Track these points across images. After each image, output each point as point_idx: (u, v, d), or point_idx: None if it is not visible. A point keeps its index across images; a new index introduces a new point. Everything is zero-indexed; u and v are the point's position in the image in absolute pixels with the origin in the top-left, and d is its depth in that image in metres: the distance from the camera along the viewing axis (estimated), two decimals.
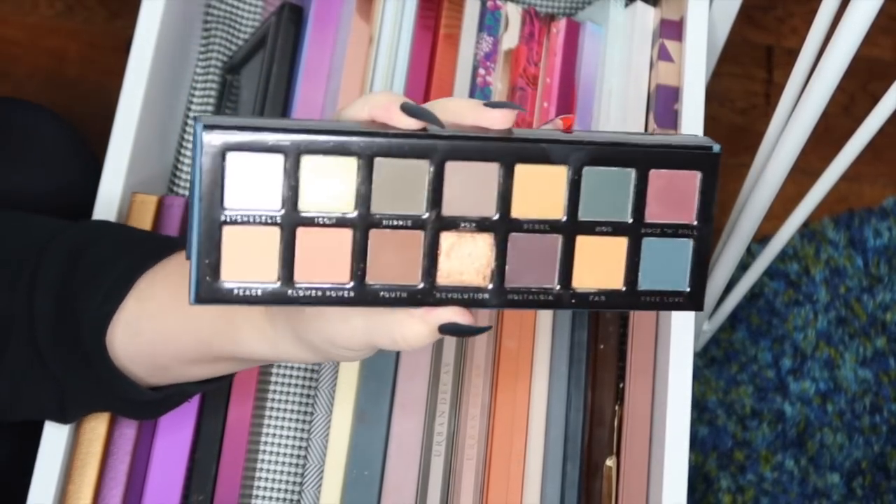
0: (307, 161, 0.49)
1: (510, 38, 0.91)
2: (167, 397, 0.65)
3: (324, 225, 0.50)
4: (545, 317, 0.82)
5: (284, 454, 0.81)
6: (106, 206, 0.80)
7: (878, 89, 0.99)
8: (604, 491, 0.79)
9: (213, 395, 0.80)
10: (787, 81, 0.87)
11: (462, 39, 0.91)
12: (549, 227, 0.52)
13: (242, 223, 0.50)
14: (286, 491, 0.80)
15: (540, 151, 0.51)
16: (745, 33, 1.41)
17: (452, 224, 0.51)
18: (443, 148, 0.50)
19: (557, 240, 0.52)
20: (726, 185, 1.33)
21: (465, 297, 0.52)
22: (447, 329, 0.52)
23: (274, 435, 0.81)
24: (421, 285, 0.52)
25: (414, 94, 0.89)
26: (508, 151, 0.50)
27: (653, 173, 0.52)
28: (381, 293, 0.52)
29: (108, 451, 0.77)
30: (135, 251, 0.63)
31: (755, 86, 1.40)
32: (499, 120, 0.50)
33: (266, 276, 0.51)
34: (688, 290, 0.54)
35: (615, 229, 0.52)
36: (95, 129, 1.03)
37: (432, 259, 0.51)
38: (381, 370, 0.80)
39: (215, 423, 0.79)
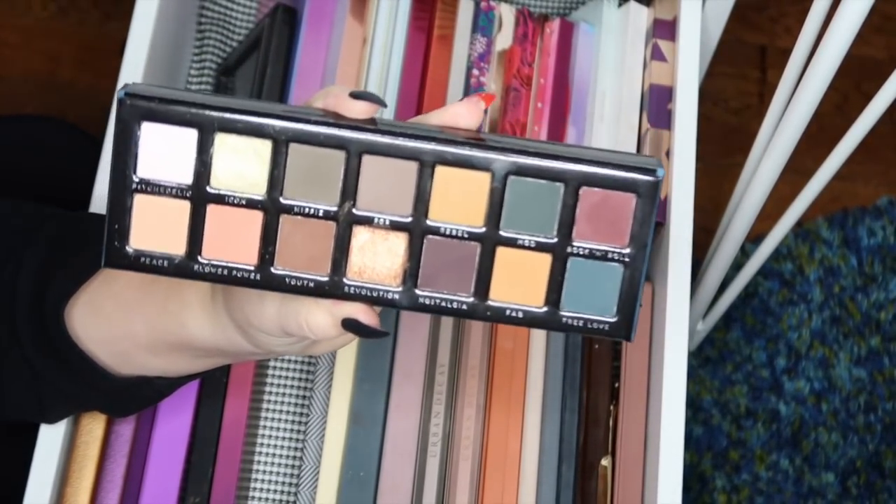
0: (222, 139, 0.49)
1: (504, 39, 0.91)
2: (134, 386, 0.65)
3: (235, 204, 0.50)
4: None
5: (280, 455, 0.81)
6: (100, 209, 0.80)
7: (872, 88, 1.00)
8: (599, 491, 0.79)
9: (210, 396, 0.80)
10: (780, 81, 0.87)
11: (456, 40, 0.91)
12: (468, 234, 0.50)
13: (153, 193, 0.50)
14: (282, 492, 0.80)
15: (463, 155, 0.49)
16: (738, 33, 1.41)
17: (366, 219, 0.50)
18: (360, 140, 0.49)
19: (476, 248, 0.50)
20: (720, 184, 1.33)
21: (375, 295, 0.51)
22: (349, 325, 0.52)
23: (269, 436, 0.81)
24: (330, 277, 0.51)
25: (408, 94, 0.89)
26: (429, 151, 0.49)
27: (584, 190, 0.49)
28: (288, 280, 0.51)
29: (105, 454, 0.77)
30: None
31: (749, 85, 1.40)
32: (357, 110, 0.50)
33: (174, 249, 0.51)
34: (614, 319, 0.51)
35: (539, 245, 0.50)
36: (90, 131, 1.03)
37: (343, 252, 0.51)
38: (377, 371, 0.80)
39: (211, 425, 0.79)
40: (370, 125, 0.49)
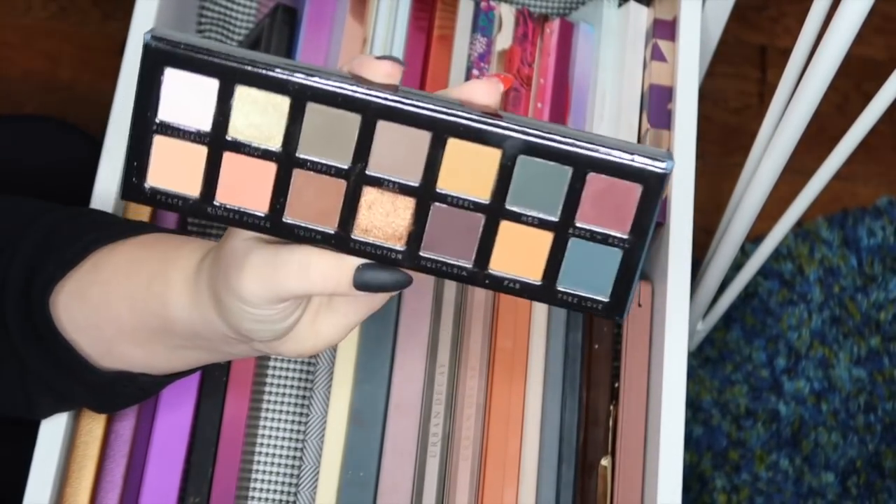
0: (241, 91, 0.50)
1: (504, 39, 0.91)
2: (117, 382, 0.65)
3: (251, 154, 0.51)
4: (540, 317, 0.82)
5: (280, 455, 0.81)
6: (100, 208, 0.80)
7: (872, 89, 1.00)
8: (599, 490, 0.79)
9: (210, 396, 0.80)
10: (780, 81, 0.87)
11: (456, 40, 0.91)
12: (474, 206, 0.51)
13: (173, 135, 0.51)
14: (282, 492, 0.80)
15: (476, 129, 0.50)
16: (738, 33, 1.41)
17: (377, 181, 0.51)
18: (376, 106, 0.50)
19: (480, 219, 0.52)
20: (720, 184, 1.33)
21: (379, 253, 0.52)
22: (364, 273, 0.52)
23: (269, 436, 0.81)
24: (337, 231, 0.52)
25: None
26: (442, 123, 0.50)
27: (592, 176, 0.50)
28: (297, 230, 0.52)
29: (105, 454, 0.77)
30: (104, 229, 0.65)
31: (749, 85, 1.40)
32: (381, 72, 0.51)
33: (189, 190, 0.52)
34: (608, 299, 0.52)
35: (542, 223, 0.51)
36: (90, 131, 1.03)
37: (352, 210, 0.52)
38: (377, 371, 0.80)
39: (211, 425, 0.79)
40: (390, 91, 0.50)
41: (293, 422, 0.82)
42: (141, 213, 0.81)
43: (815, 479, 1.22)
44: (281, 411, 0.82)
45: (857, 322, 1.28)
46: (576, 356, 0.82)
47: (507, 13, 0.91)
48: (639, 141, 0.87)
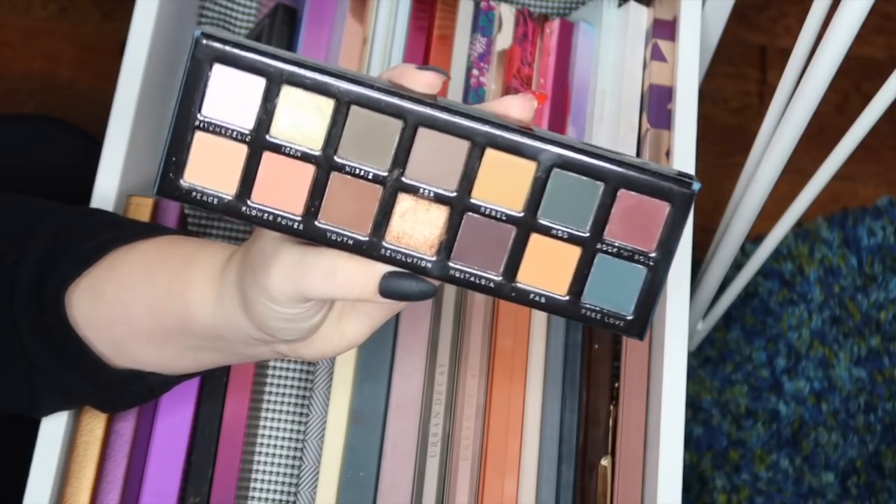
0: (287, 91, 0.51)
1: (504, 39, 0.91)
2: (126, 380, 0.65)
3: (290, 155, 0.52)
4: (540, 317, 0.82)
5: (280, 455, 0.81)
6: (101, 208, 0.80)
7: (872, 89, 0.99)
8: (599, 490, 0.79)
9: (210, 396, 0.80)
10: (780, 81, 0.87)
11: (456, 40, 0.91)
12: (506, 217, 0.52)
13: (214, 132, 0.52)
14: (282, 492, 0.80)
15: (514, 141, 0.51)
16: (738, 33, 1.41)
17: (412, 188, 0.52)
18: (418, 113, 0.51)
19: (511, 231, 0.53)
20: (720, 184, 1.33)
21: (409, 261, 0.53)
22: (391, 281, 0.53)
23: (270, 436, 0.81)
24: (369, 238, 0.53)
25: None
26: (482, 133, 0.51)
27: (622, 193, 0.52)
28: (329, 234, 0.53)
29: (105, 454, 0.77)
30: (117, 229, 0.65)
31: (749, 85, 1.40)
32: (423, 82, 0.52)
33: (225, 188, 0.53)
34: (630, 316, 0.54)
35: (571, 237, 0.52)
36: (90, 131, 1.04)
37: (385, 216, 0.52)
38: (377, 371, 0.80)
39: (211, 425, 0.79)
40: (430, 100, 0.51)
41: (293, 422, 0.82)
42: (141, 213, 0.81)
43: (815, 479, 1.23)
44: (281, 411, 0.82)
45: (857, 322, 1.28)
46: (576, 356, 0.82)
47: (507, 13, 0.91)
48: (639, 141, 0.87)
